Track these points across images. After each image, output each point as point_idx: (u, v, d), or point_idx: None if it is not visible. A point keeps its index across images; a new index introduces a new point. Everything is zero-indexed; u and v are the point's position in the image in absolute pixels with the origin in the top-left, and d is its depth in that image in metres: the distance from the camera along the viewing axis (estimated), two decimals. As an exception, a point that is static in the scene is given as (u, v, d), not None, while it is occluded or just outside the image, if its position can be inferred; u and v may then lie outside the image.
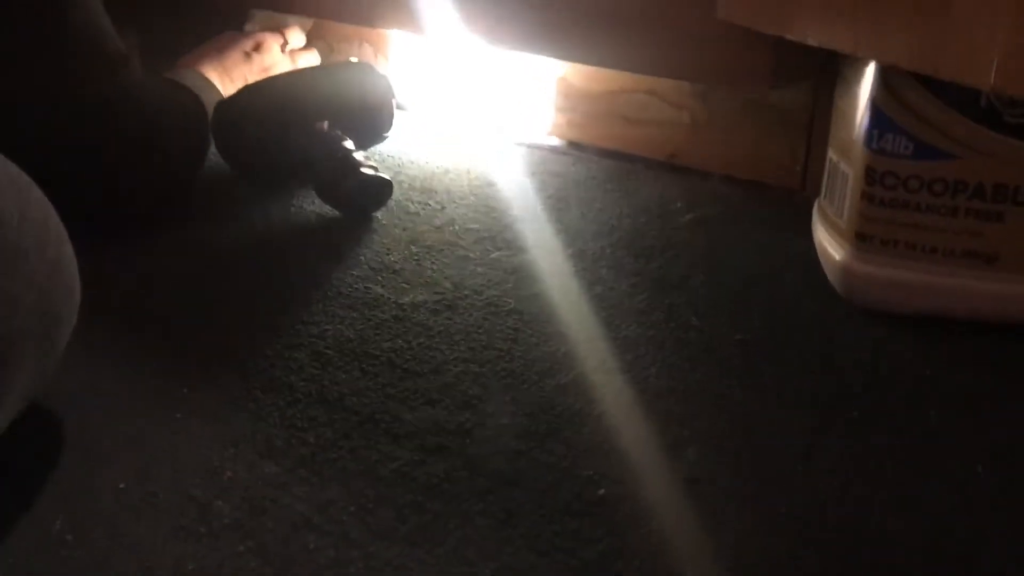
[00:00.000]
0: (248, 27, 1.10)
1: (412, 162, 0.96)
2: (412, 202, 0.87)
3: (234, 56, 0.98)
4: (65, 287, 0.52)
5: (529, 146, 1.00)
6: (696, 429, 0.56)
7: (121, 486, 0.51)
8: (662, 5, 0.80)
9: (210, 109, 0.86)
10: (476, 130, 1.03)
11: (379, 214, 0.84)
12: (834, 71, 0.73)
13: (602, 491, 0.51)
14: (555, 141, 1.02)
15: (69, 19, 0.74)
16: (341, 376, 0.61)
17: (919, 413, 0.58)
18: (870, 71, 0.64)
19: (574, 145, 1.01)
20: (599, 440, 0.55)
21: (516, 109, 1.03)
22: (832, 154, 0.71)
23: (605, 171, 0.94)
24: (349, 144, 0.85)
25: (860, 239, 0.66)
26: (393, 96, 0.98)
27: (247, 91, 0.90)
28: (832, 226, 0.70)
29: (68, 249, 0.53)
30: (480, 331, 0.67)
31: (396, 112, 1.01)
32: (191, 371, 0.62)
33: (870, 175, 0.65)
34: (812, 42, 0.64)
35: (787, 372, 0.62)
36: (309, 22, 1.09)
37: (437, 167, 0.95)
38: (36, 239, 0.49)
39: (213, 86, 0.92)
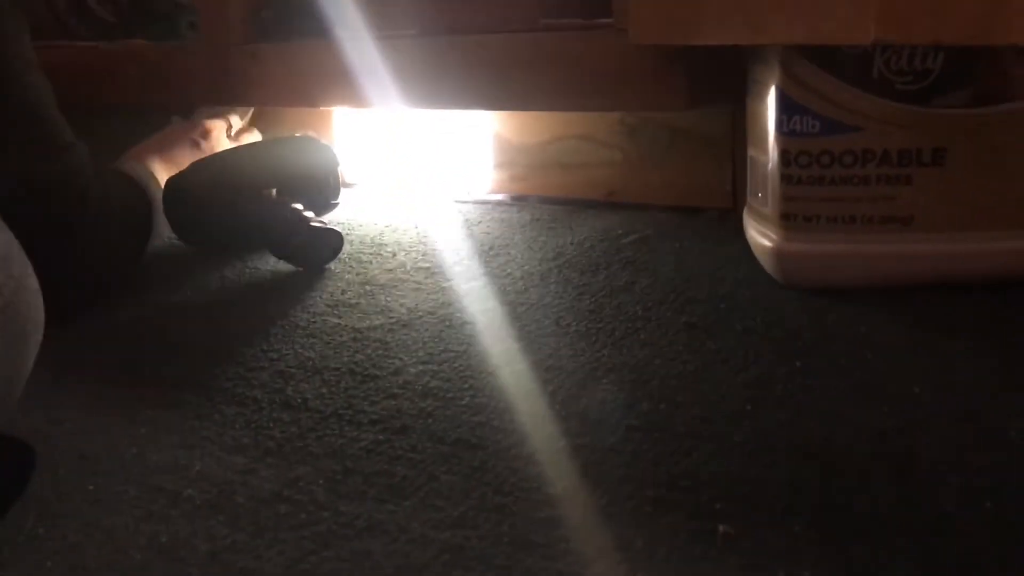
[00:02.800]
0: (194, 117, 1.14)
1: (361, 224, 1.00)
2: (364, 253, 0.90)
3: (182, 146, 1.01)
4: (28, 304, 0.54)
5: (474, 203, 1.05)
6: (647, 389, 0.58)
7: (90, 487, 0.52)
8: (577, 46, 0.86)
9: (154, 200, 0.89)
10: (421, 194, 1.08)
11: (332, 265, 0.87)
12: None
13: (562, 443, 0.53)
14: (498, 197, 1.06)
15: (14, 100, 0.78)
16: (303, 387, 0.63)
17: (857, 358, 0.60)
18: (775, 66, 0.70)
19: (517, 198, 1.05)
20: (557, 408, 0.57)
21: (458, 171, 1.08)
22: (751, 152, 0.76)
23: (549, 214, 0.99)
24: (298, 206, 0.89)
25: (785, 219, 0.70)
26: (338, 164, 1.02)
27: (196, 166, 0.94)
28: (761, 217, 0.74)
29: (31, 272, 0.55)
30: (436, 340, 0.69)
31: (343, 184, 1.05)
32: (155, 397, 0.63)
33: (785, 157, 0.69)
34: (718, 42, 0.69)
35: (731, 341, 0.64)
36: (248, 110, 1.15)
37: (386, 226, 0.99)
38: (1, 258, 0.51)
39: (155, 178, 0.93)
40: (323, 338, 0.71)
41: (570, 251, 0.86)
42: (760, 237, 0.74)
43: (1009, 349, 0.60)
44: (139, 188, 0.90)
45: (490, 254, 0.87)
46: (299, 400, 0.61)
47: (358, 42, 0.97)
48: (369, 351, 0.68)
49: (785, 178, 0.70)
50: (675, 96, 0.84)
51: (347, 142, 1.14)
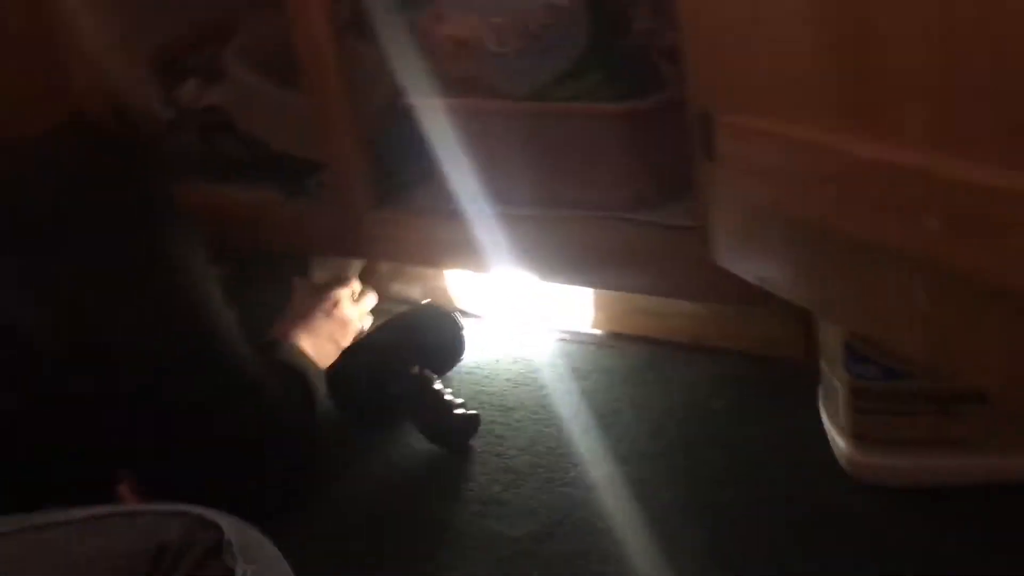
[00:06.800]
0: (315, 275, 1.29)
1: (487, 377, 1.17)
2: (497, 424, 1.08)
3: (317, 318, 1.17)
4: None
5: (578, 339, 1.21)
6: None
7: None
8: (664, 243, 1.01)
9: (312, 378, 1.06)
10: (533, 331, 1.24)
11: (473, 441, 1.05)
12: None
13: None
14: (597, 331, 1.22)
15: (222, 356, 0.94)
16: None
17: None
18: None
19: (613, 335, 1.21)
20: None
21: (562, 309, 1.24)
22: (824, 365, 0.91)
23: (643, 360, 1.15)
24: (439, 385, 1.07)
25: (857, 439, 0.86)
26: (462, 328, 1.19)
27: (350, 355, 1.11)
28: (834, 421, 0.90)
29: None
30: (580, 557, 0.87)
31: (464, 327, 1.22)
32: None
33: (856, 393, 0.85)
34: (790, 299, 0.84)
35: (825, 554, 0.82)
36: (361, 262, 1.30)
37: (507, 380, 1.16)
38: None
39: (308, 358, 1.09)
40: (487, 553, 0.89)
41: (671, 427, 1.02)
42: (835, 434, 0.90)
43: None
44: (304, 381, 1.06)
45: (604, 423, 1.04)
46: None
47: (476, 217, 1.11)
48: (529, 569, 0.86)
49: (856, 409, 0.85)
50: (746, 294, 0.98)
51: (461, 280, 1.30)
